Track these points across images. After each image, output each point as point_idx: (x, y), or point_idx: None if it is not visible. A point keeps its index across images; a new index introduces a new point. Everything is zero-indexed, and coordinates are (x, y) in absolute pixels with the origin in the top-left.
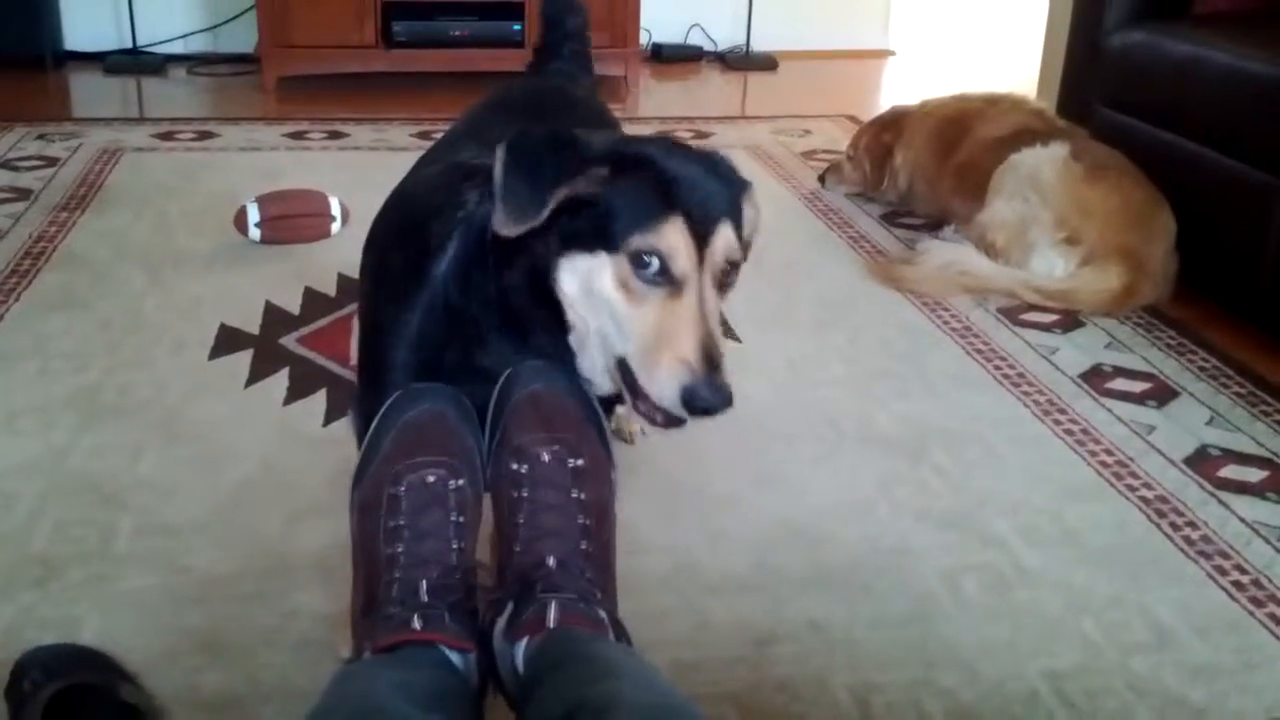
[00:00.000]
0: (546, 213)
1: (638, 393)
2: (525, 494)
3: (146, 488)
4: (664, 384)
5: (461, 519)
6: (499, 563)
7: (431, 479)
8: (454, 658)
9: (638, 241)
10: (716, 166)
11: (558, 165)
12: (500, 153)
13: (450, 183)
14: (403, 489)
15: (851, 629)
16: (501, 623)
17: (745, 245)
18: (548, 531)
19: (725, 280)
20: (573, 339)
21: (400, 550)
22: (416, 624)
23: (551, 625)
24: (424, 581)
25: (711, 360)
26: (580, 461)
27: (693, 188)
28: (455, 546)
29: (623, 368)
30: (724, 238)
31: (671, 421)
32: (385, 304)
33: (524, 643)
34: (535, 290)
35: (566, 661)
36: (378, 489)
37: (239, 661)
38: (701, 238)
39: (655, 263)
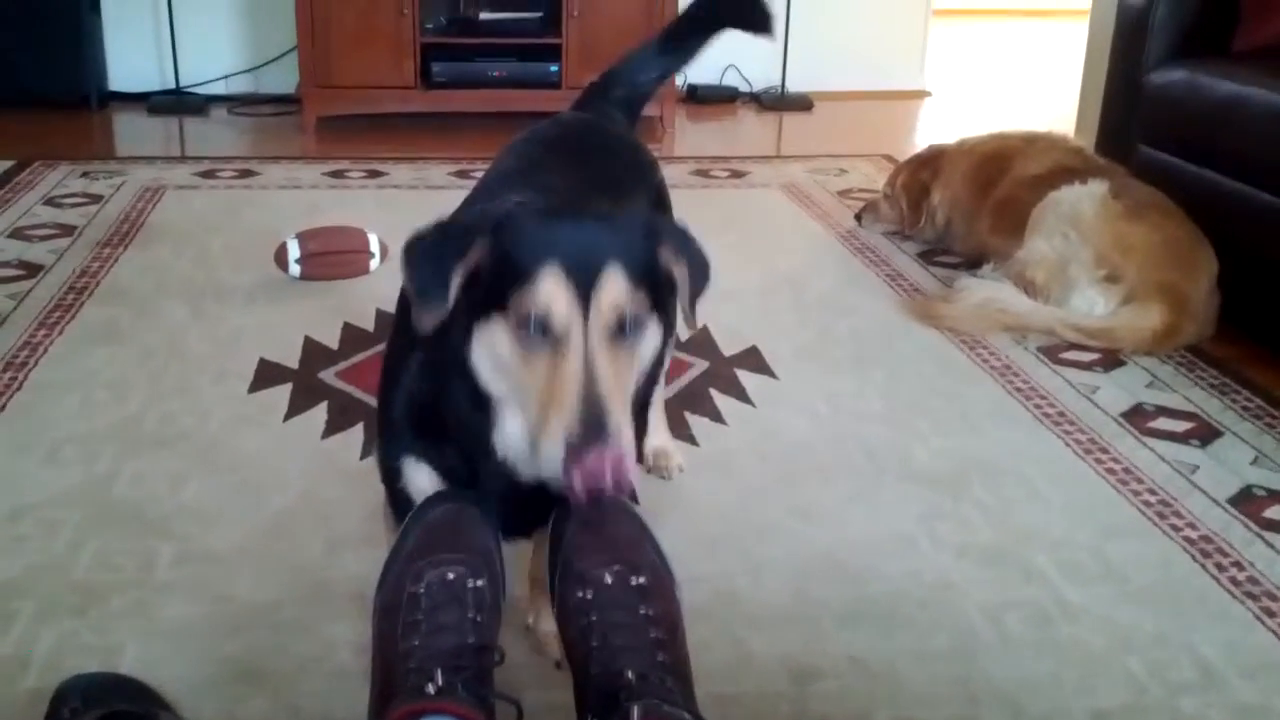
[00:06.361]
0: (451, 294)
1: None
2: (594, 618)
3: (187, 516)
4: (548, 453)
5: (479, 618)
6: (577, 693)
7: (451, 576)
8: None
9: (515, 297)
10: (618, 220)
11: (449, 249)
12: (402, 256)
13: None
14: (422, 587)
15: (893, 664)
16: None
17: (692, 297)
18: (622, 649)
19: (625, 331)
20: (494, 413)
21: (416, 644)
22: (430, 690)
23: None
24: (439, 670)
25: (594, 422)
26: (642, 579)
27: (573, 237)
28: (471, 642)
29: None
30: (611, 284)
31: (593, 489)
32: (394, 354)
33: None
34: (456, 366)
35: None
36: (399, 589)
37: (279, 690)
38: (585, 287)
39: (536, 318)
